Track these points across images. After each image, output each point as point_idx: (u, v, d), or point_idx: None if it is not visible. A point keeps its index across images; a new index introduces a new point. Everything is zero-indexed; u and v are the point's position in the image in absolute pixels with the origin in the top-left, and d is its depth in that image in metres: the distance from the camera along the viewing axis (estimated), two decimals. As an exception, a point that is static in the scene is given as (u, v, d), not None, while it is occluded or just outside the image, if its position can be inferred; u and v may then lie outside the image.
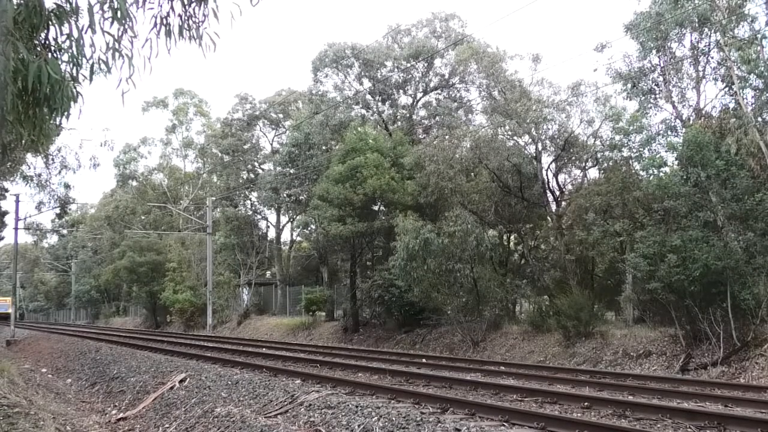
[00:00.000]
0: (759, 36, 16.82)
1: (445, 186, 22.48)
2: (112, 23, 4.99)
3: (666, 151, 18.86)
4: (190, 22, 5.31)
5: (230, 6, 5.09)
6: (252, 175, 44.68)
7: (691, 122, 18.56)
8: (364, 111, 33.26)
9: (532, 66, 24.32)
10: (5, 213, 34.41)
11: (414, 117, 33.03)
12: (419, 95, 32.83)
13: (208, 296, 36.29)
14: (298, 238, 44.66)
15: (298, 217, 39.57)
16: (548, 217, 23.50)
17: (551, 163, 22.72)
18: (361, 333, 26.49)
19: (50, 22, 4.96)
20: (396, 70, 31.85)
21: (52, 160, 27.78)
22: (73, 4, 4.98)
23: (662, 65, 19.39)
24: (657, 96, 19.79)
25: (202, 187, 50.95)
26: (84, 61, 5.09)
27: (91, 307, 69.16)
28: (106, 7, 4.92)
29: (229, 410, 10.05)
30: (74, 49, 4.98)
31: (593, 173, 22.57)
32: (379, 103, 32.81)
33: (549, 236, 23.43)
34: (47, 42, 5.05)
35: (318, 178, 29.56)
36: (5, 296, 70.09)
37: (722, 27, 17.21)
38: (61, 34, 5.03)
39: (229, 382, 12.30)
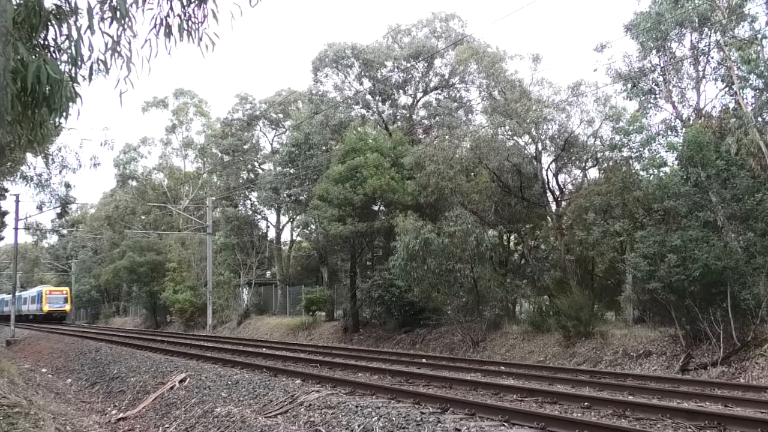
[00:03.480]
0: (759, 36, 16.80)
1: (445, 186, 22.47)
2: (111, 23, 4.99)
3: (666, 151, 18.84)
4: (190, 22, 5.31)
5: (230, 6, 5.08)
6: (252, 175, 44.66)
7: (691, 122, 18.54)
8: (364, 111, 33.24)
9: (532, 66, 24.28)
10: (5, 213, 34.38)
11: (414, 117, 33.00)
12: (419, 95, 32.81)
13: (208, 296, 36.26)
14: (298, 238, 44.65)
15: (298, 217, 39.55)
16: (548, 217, 23.48)
17: (551, 163, 22.72)
18: (361, 333, 26.49)
19: (49, 23, 4.96)
20: (396, 70, 31.83)
21: (52, 160, 27.86)
22: (72, 5, 4.98)
23: (662, 65, 19.37)
24: (657, 96, 19.77)
25: (202, 187, 50.92)
26: (83, 61, 5.08)
27: (91, 307, 69.10)
28: (105, 7, 4.92)
29: (229, 410, 10.05)
30: (73, 49, 4.97)
31: (593, 173, 22.57)
32: (379, 103, 32.78)
33: (549, 236, 23.41)
34: (46, 42, 5.06)
35: (318, 178, 29.55)
36: (61, 286, 63.41)
37: (722, 27, 17.19)
38: (60, 34, 5.04)
39: (229, 382, 12.31)
